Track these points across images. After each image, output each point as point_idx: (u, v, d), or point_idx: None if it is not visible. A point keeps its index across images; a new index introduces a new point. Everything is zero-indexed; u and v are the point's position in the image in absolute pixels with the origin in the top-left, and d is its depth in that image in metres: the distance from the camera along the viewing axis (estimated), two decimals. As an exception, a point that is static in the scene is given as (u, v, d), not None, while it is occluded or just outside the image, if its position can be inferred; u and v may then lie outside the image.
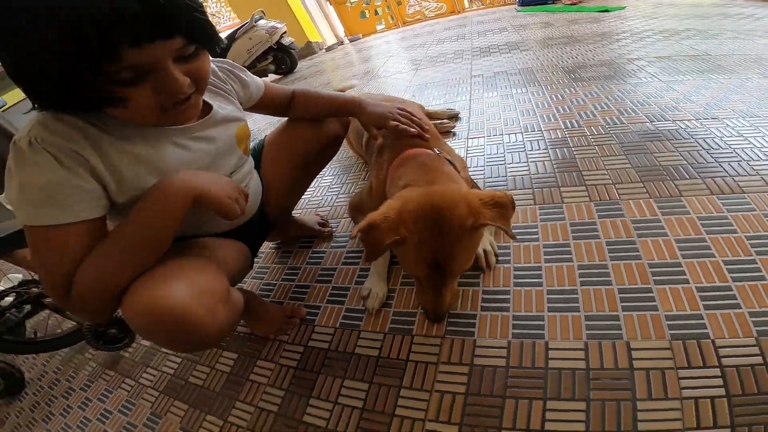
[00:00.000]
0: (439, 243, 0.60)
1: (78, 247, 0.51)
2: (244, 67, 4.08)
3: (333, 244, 1.14)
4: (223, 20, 6.21)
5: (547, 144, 1.23)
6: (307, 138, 0.96)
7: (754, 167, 0.91)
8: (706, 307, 0.64)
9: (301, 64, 4.62)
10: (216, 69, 0.74)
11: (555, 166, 1.11)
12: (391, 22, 5.40)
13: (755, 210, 0.79)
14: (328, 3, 5.45)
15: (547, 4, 4.02)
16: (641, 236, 0.80)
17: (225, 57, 4.19)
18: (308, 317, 0.93)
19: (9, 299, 1.04)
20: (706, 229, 0.78)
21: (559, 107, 1.47)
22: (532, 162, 1.16)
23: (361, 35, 5.27)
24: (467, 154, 1.32)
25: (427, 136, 0.88)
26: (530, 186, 1.06)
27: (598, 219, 0.88)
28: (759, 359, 0.56)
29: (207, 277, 0.58)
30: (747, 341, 0.58)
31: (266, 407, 0.77)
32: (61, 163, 0.49)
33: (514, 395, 0.61)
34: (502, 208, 0.60)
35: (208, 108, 0.68)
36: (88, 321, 1.03)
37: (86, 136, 0.51)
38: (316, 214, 1.24)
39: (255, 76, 0.85)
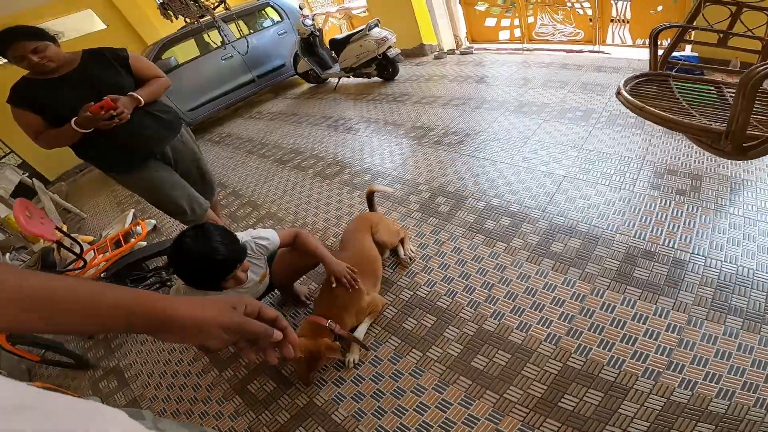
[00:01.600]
0: (313, 357, 1.68)
1: None
2: (352, 67, 5.13)
3: (306, 311, 2.22)
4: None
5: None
6: (299, 262, 2.02)
7: None
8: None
9: (403, 71, 5.47)
10: (253, 246, 1.80)
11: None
12: (516, 36, 5.83)
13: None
14: (458, 2, 6.06)
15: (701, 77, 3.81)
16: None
17: (339, 56, 5.29)
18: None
19: (152, 280, 2.37)
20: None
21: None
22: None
23: (473, 50, 5.86)
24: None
25: (351, 290, 1.86)
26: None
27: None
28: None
29: None
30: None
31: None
32: None
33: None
34: (334, 350, 1.68)
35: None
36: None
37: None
38: (308, 288, 2.32)
39: (273, 236, 1.86)
